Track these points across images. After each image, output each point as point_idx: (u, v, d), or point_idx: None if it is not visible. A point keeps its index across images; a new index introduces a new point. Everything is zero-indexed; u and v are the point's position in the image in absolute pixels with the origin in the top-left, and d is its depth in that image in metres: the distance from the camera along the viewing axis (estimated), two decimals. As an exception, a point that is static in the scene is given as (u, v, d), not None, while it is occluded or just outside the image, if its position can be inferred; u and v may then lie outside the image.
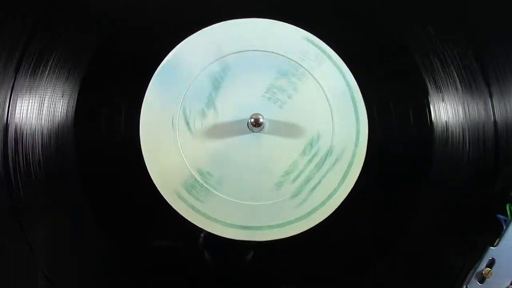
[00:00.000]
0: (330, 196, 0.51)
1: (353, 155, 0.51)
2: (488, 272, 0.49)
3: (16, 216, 0.51)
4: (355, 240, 0.52)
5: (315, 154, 0.51)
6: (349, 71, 0.52)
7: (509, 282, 0.49)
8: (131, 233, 0.51)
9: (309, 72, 0.51)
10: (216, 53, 0.51)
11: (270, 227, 0.51)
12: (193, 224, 0.50)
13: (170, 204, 0.50)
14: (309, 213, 0.51)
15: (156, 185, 0.50)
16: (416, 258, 0.52)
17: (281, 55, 0.51)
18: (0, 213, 0.50)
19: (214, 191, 0.51)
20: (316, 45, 0.52)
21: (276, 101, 0.51)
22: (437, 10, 0.54)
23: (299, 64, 0.51)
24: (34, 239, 0.51)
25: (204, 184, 0.51)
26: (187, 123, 0.51)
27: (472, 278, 0.50)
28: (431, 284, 0.52)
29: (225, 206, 0.51)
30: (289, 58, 0.51)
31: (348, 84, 0.51)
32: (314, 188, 0.51)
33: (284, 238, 0.50)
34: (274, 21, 0.52)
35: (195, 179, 0.51)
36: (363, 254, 0.52)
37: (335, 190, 0.51)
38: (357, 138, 0.51)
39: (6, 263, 0.52)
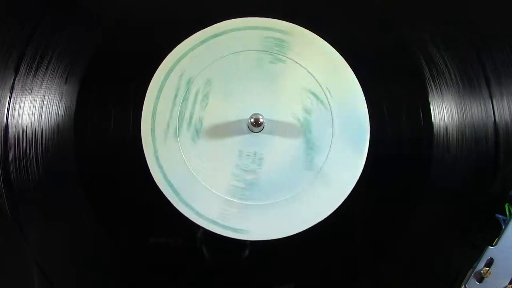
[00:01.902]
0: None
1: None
2: (487, 271, 0.49)
3: (16, 216, 0.50)
4: (355, 240, 0.52)
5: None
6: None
7: (508, 282, 0.49)
8: (131, 233, 0.51)
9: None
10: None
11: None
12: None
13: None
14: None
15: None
16: (416, 258, 0.52)
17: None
18: (0, 213, 0.50)
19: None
20: None
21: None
22: (437, 10, 0.54)
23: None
24: (34, 239, 0.51)
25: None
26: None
27: (471, 278, 0.50)
28: (431, 284, 0.53)
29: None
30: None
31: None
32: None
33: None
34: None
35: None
36: (363, 254, 0.52)
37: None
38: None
39: (6, 263, 0.52)
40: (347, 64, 0.52)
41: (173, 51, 0.52)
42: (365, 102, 0.51)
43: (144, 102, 0.51)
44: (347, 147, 0.51)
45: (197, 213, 0.50)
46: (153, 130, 0.51)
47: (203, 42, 0.52)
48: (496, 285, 0.49)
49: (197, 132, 0.51)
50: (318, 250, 0.51)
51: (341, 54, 0.52)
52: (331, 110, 0.51)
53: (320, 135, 0.51)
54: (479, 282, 0.50)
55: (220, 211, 0.50)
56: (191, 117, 0.51)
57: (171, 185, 0.50)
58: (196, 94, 0.51)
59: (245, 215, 0.50)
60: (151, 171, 0.50)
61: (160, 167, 0.50)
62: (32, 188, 0.50)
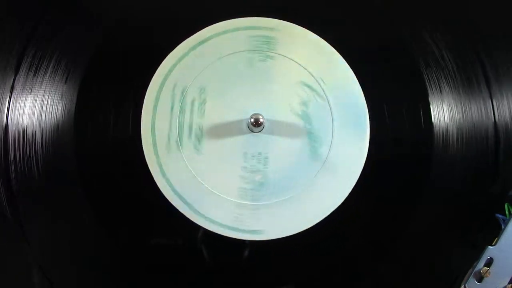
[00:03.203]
0: None
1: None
2: (486, 271, 0.49)
3: (16, 216, 0.50)
4: (355, 240, 0.52)
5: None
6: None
7: (507, 281, 0.49)
8: (131, 233, 0.51)
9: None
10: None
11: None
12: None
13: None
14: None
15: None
16: (416, 259, 0.52)
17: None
18: (0, 213, 0.50)
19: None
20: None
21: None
22: (437, 10, 0.54)
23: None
24: (34, 239, 0.51)
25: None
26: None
27: (470, 277, 0.50)
28: (431, 284, 0.53)
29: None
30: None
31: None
32: None
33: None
34: None
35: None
36: (363, 254, 0.52)
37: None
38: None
39: (6, 263, 0.52)
40: (335, 50, 0.52)
41: (163, 62, 0.51)
42: (357, 83, 0.51)
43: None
44: (349, 131, 0.51)
45: (212, 221, 0.50)
46: (155, 145, 0.51)
47: (191, 50, 0.52)
48: (495, 284, 0.49)
49: (199, 141, 0.51)
50: (318, 250, 0.51)
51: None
52: (327, 98, 0.51)
53: (320, 125, 0.51)
54: (478, 282, 0.50)
55: (234, 215, 0.50)
56: (190, 127, 0.51)
57: (182, 198, 0.50)
58: (192, 103, 0.51)
59: (258, 216, 0.50)
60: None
61: (168, 181, 0.50)
62: (32, 188, 0.50)
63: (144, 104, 0.51)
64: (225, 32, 0.52)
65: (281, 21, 0.52)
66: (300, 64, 0.52)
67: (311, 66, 0.52)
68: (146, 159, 0.50)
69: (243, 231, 0.50)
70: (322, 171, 0.51)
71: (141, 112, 0.51)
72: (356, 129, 0.51)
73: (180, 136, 0.51)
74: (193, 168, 0.50)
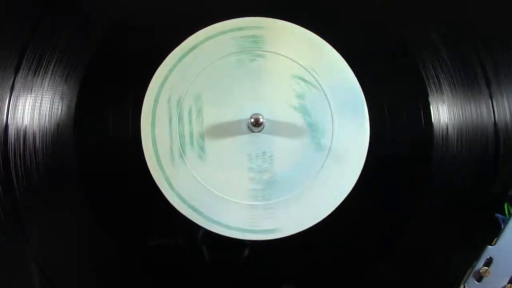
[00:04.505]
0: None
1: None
2: (486, 271, 0.49)
3: (16, 216, 0.50)
4: (355, 240, 0.52)
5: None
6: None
7: (507, 281, 0.50)
8: (131, 233, 0.51)
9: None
10: None
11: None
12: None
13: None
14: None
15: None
16: (416, 258, 0.52)
17: None
18: (0, 213, 0.50)
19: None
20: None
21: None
22: (437, 10, 0.54)
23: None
24: (34, 239, 0.51)
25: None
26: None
27: (470, 277, 0.50)
28: (431, 284, 0.53)
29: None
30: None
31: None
32: None
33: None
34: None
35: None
36: (363, 254, 0.52)
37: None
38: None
39: (6, 263, 0.52)
40: (322, 39, 0.52)
41: (155, 74, 0.51)
42: (350, 69, 0.51)
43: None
44: (348, 116, 0.51)
45: (226, 226, 0.50)
46: (158, 159, 0.51)
47: (180, 59, 0.52)
48: (495, 284, 0.50)
49: (202, 148, 0.51)
50: (318, 251, 0.51)
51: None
52: (322, 88, 0.51)
53: (319, 115, 0.51)
54: (478, 282, 0.50)
55: (248, 218, 0.50)
56: (191, 136, 0.51)
57: (193, 208, 0.50)
58: (190, 112, 0.51)
59: (272, 215, 0.51)
60: (169, 200, 0.50)
61: (178, 194, 0.50)
62: (32, 188, 0.50)
63: (142, 114, 0.51)
64: (211, 37, 0.52)
65: (263, 18, 0.52)
66: (290, 58, 0.52)
67: (301, 58, 0.52)
68: (152, 173, 0.50)
69: (258, 232, 0.50)
70: (327, 160, 0.51)
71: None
72: (355, 113, 0.51)
73: (182, 147, 0.51)
74: (200, 178, 0.51)
